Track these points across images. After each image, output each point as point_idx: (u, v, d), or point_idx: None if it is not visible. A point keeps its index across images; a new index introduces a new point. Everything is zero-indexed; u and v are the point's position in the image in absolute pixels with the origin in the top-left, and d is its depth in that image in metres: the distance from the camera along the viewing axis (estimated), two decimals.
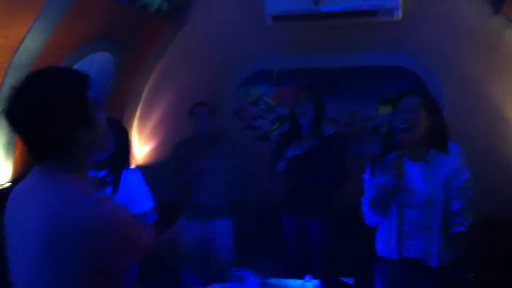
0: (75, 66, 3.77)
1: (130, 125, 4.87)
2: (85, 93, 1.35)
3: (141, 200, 2.92)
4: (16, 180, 3.54)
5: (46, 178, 1.37)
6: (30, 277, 1.37)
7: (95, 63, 3.98)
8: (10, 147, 3.43)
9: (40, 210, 1.35)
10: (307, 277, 2.52)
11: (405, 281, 2.52)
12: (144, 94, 4.91)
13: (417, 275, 2.50)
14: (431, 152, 2.54)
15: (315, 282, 2.57)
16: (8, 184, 3.48)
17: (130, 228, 1.37)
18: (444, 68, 4.16)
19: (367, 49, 4.34)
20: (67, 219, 1.30)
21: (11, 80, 3.28)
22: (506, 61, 4.01)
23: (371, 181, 2.65)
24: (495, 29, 4.00)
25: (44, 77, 1.35)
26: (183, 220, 1.88)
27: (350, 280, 2.84)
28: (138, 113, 4.95)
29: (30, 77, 1.34)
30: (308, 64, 4.53)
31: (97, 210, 1.31)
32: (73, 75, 1.38)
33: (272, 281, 2.75)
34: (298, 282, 2.63)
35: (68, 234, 1.30)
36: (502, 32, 3.98)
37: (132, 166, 3.04)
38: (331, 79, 4.47)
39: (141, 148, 4.97)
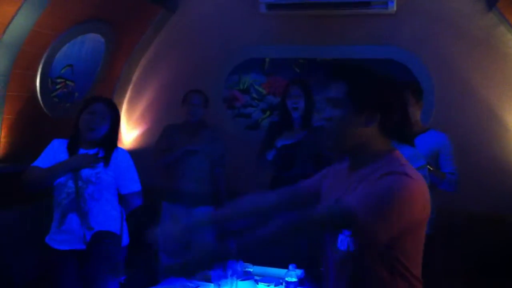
0: (67, 46, 3.73)
1: (119, 109, 4.82)
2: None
3: (129, 181, 2.96)
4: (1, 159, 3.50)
5: None
6: None
7: (86, 44, 3.94)
8: None
9: None
10: (291, 266, 2.51)
11: None
12: (134, 78, 4.87)
13: None
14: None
15: (299, 271, 2.56)
16: None
17: None
18: (436, 63, 4.16)
19: (360, 41, 4.32)
20: None
21: (1, 56, 3.24)
22: (498, 57, 4.02)
23: None
24: (488, 25, 4.01)
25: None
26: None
27: None
28: (127, 97, 4.91)
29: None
30: (300, 54, 4.49)
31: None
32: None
33: (256, 269, 2.75)
34: (282, 271, 2.62)
35: None
36: (495, 29, 3.99)
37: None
38: (323, 70, 4.44)
39: (129, 133, 4.93)
